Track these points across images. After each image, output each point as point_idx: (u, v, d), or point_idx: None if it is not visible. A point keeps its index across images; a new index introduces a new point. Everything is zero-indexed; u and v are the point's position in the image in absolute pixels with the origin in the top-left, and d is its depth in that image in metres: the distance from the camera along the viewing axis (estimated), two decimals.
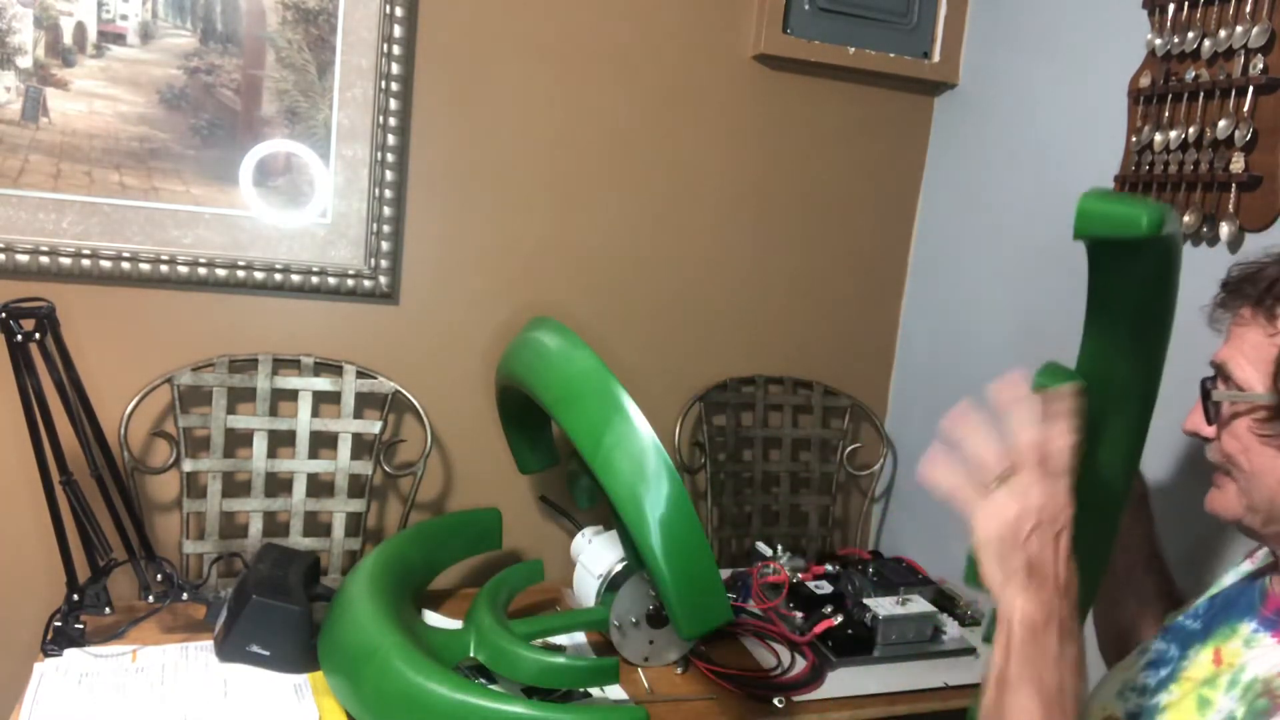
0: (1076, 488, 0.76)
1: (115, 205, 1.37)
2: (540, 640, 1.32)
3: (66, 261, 1.35)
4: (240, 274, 1.43)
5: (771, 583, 1.53)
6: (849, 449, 1.82)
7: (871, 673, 1.39)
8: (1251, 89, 1.20)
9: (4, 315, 1.12)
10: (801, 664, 1.40)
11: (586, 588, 1.40)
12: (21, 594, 1.40)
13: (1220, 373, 0.81)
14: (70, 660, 1.20)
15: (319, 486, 1.51)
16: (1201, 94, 1.27)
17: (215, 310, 1.45)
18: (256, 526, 1.47)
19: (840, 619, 1.44)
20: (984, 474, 0.76)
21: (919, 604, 1.48)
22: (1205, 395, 0.82)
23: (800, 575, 1.56)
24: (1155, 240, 0.75)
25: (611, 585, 1.36)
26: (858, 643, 1.43)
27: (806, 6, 1.65)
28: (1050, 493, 0.74)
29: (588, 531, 1.50)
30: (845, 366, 1.83)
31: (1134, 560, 1.05)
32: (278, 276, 1.45)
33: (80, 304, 1.38)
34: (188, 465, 1.43)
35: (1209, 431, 0.82)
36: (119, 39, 1.34)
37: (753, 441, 1.76)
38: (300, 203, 1.45)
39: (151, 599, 1.26)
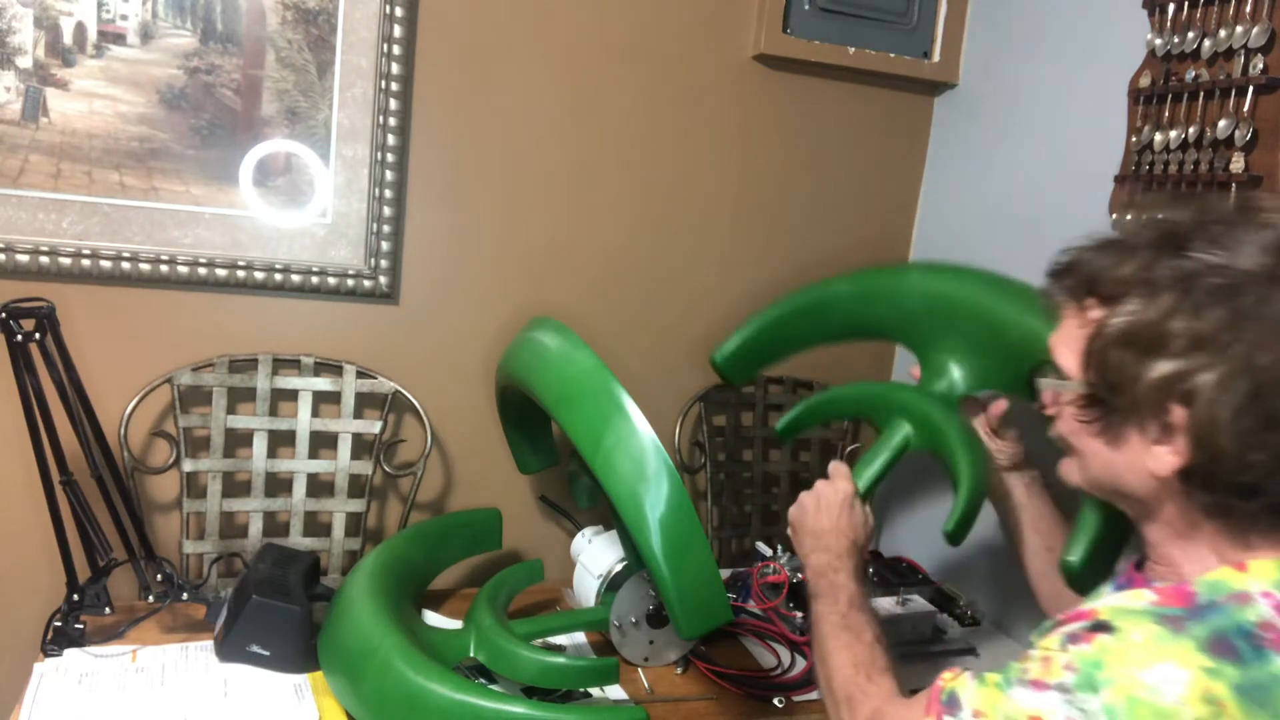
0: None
1: (115, 205, 1.37)
2: (540, 640, 1.32)
3: (66, 261, 1.35)
4: (240, 274, 1.43)
5: (771, 583, 1.53)
6: (849, 449, 1.82)
7: None
8: (1251, 89, 1.20)
9: (4, 315, 1.12)
10: (801, 664, 1.40)
11: (586, 588, 1.40)
12: (21, 594, 1.40)
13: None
14: (70, 660, 1.20)
15: (319, 486, 1.51)
16: (1201, 94, 1.27)
17: (215, 310, 1.45)
18: (256, 526, 1.47)
19: None
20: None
21: (919, 604, 1.48)
22: (1029, 381, 0.88)
23: (800, 575, 1.56)
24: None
25: (611, 585, 1.36)
26: None
27: (806, 6, 1.65)
28: (834, 486, 1.15)
29: (588, 531, 1.50)
30: (845, 366, 1.82)
31: (1047, 540, 1.17)
32: (278, 276, 1.45)
33: (80, 304, 1.38)
34: (188, 465, 1.43)
35: (1051, 411, 0.87)
36: (119, 39, 1.34)
37: (753, 441, 1.76)
38: (300, 203, 1.45)
39: (151, 599, 1.26)
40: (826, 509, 1.13)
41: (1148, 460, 0.77)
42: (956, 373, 1.23)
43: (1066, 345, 0.82)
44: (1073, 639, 0.73)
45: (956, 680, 0.81)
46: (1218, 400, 0.71)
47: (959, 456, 1.11)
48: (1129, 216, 0.82)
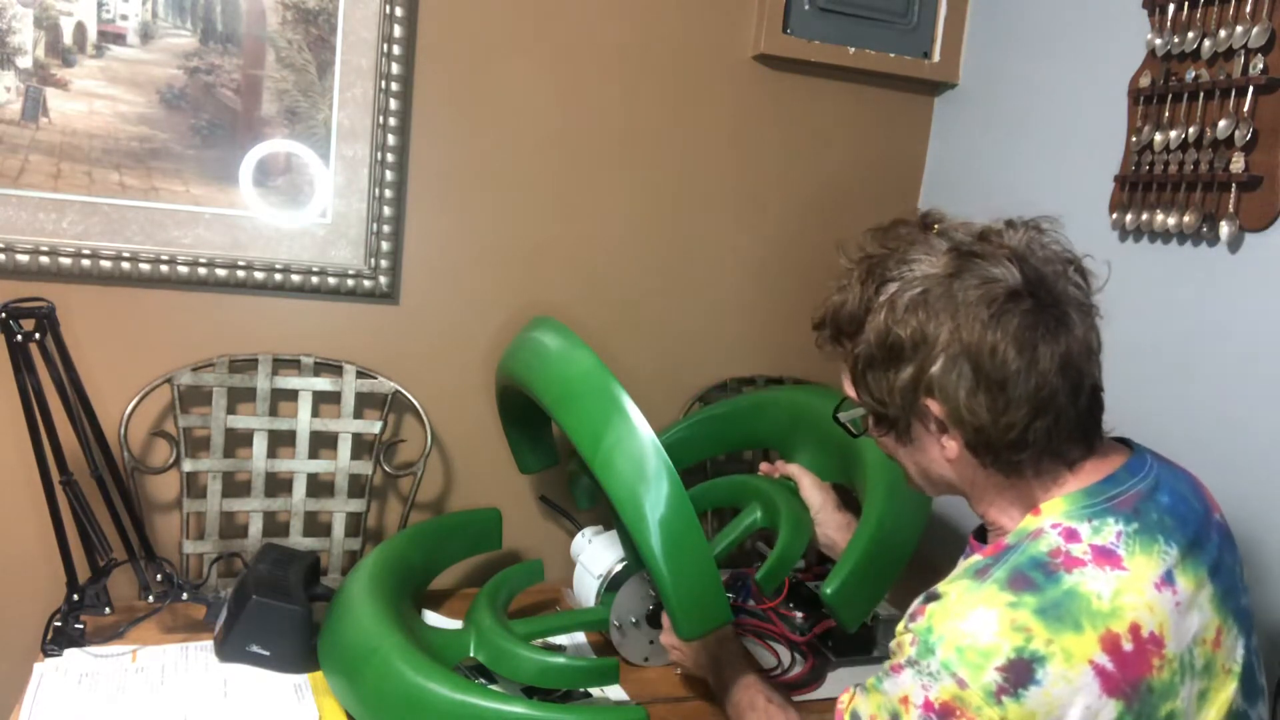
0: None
1: (115, 205, 1.37)
2: (540, 640, 1.32)
3: (66, 261, 1.35)
4: (240, 274, 1.43)
5: None
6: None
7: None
8: (1251, 89, 1.20)
9: (4, 315, 1.12)
10: (801, 664, 1.40)
11: (586, 588, 1.40)
12: (21, 594, 1.40)
13: None
14: (70, 660, 1.20)
15: (319, 486, 1.51)
16: (1201, 94, 1.27)
17: (215, 310, 1.45)
18: (256, 526, 1.47)
19: None
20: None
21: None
22: (833, 417, 1.02)
23: (800, 575, 1.56)
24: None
25: (611, 585, 1.36)
26: (858, 643, 1.43)
27: (806, 6, 1.65)
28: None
29: (588, 531, 1.50)
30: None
31: None
32: (278, 276, 1.45)
33: (80, 304, 1.38)
34: (188, 465, 1.43)
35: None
36: (119, 39, 1.34)
37: None
38: (300, 203, 1.45)
39: (151, 599, 1.26)
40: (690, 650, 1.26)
41: (940, 450, 0.88)
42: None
43: (847, 381, 0.94)
44: (912, 617, 0.83)
45: (854, 699, 0.89)
46: (951, 384, 0.83)
47: (781, 531, 1.31)
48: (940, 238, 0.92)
